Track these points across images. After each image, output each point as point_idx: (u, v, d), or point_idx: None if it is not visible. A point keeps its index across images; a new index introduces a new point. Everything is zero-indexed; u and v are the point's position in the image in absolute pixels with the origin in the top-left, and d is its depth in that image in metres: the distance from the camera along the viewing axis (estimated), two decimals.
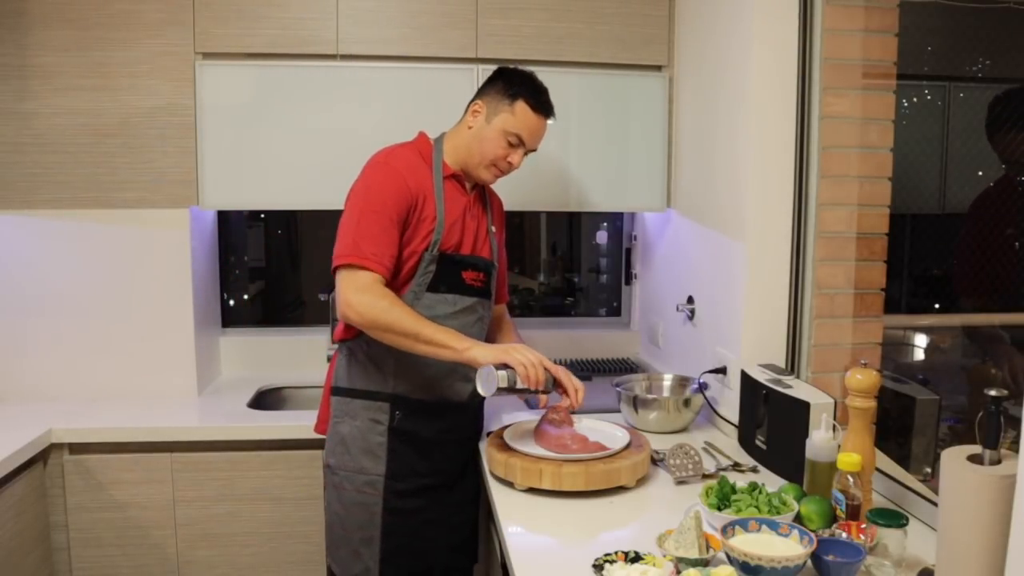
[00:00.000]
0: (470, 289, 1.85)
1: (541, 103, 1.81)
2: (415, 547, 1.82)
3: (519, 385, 1.63)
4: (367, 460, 1.79)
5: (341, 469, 1.81)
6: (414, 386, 1.80)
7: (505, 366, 1.63)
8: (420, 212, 1.76)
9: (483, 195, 1.96)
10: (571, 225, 3.16)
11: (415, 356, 1.74)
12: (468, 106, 1.86)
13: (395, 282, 1.76)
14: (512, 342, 1.88)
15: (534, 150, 1.87)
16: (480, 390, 1.64)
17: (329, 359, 1.87)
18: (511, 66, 1.89)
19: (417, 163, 1.81)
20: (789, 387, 1.72)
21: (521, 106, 1.79)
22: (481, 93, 1.85)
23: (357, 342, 1.81)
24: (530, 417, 1.93)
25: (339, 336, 1.86)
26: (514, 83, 1.82)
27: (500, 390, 1.62)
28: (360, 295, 1.66)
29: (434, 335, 1.65)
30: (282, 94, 2.35)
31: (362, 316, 1.66)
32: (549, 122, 1.86)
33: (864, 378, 1.44)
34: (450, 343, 1.65)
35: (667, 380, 2.23)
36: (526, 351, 1.66)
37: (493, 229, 1.97)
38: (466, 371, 1.83)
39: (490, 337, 2.00)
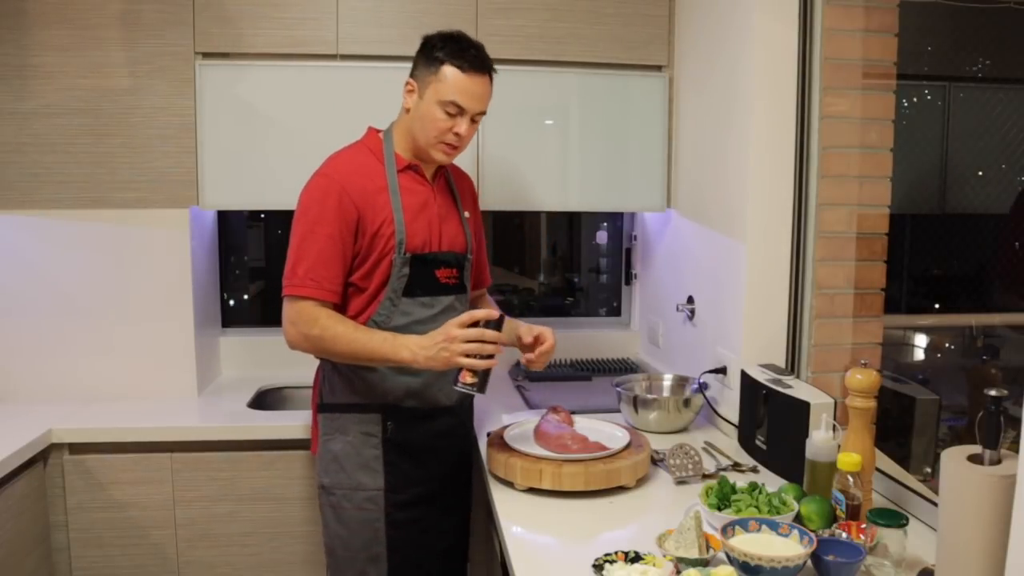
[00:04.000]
0: (445, 288, 1.77)
1: (468, 62, 1.65)
2: (417, 557, 1.78)
3: (468, 383, 1.58)
4: (364, 476, 1.74)
5: (337, 488, 1.75)
6: (403, 394, 1.74)
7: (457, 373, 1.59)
8: (371, 217, 1.68)
9: (448, 181, 1.85)
10: (571, 225, 3.16)
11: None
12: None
13: (367, 293, 1.72)
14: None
15: (482, 113, 1.71)
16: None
17: None
18: (438, 31, 1.73)
19: (364, 164, 1.73)
20: (789, 387, 1.72)
21: (448, 71, 1.64)
22: (412, 70, 1.73)
23: None
24: (530, 417, 1.93)
25: None
26: (436, 48, 1.67)
27: (469, 386, 1.58)
28: (291, 327, 1.69)
29: (372, 354, 1.63)
30: (282, 94, 2.34)
31: (298, 347, 1.70)
32: (491, 77, 1.71)
33: (864, 378, 1.44)
34: (388, 356, 1.62)
35: (667, 380, 2.23)
36: (440, 339, 1.57)
37: (467, 215, 1.86)
38: (453, 373, 1.80)
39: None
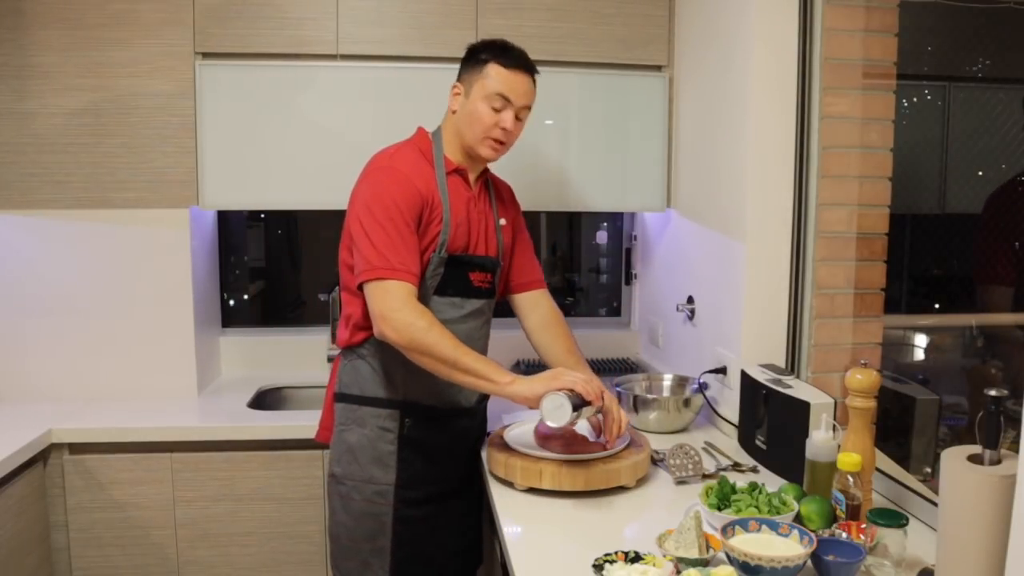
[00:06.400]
0: (477, 291, 1.80)
1: (512, 59, 1.72)
2: (426, 554, 1.79)
3: (585, 406, 1.56)
4: (376, 469, 1.74)
5: (348, 479, 1.76)
6: (424, 393, 1.75)
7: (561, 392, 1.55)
8: (429, 215, 1.71)
9: (488, 187, 1.90)
10: (571, 225, 3.16)
11: None
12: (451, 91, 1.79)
13: None
14: (571, 353, 1.90)
15: (527, 108, 1.76)
16: (550, 422, 1.53)
17: (330, 360, 1.85)
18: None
19: (420, 162, 1.75)
20: (789, 387, 1.72)
21: (492, 68, 1.71)
22: (458, 75, 1.78)
23: (365, 348, 1.76)
24: (530, 417, 1.93)
25: (344, 343, 1.80)
26: (480, 51, 1.75)
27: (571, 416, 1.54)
28: (397, 313, 1.59)
29: (474, 364, 1.57)
30: (282, 94, 2.34)
31: (400, 335, 1.58)
32: (534, 78, 1.76)
33: (864, 378, 1.44)
34: (491, 375, 1.57)
35: (667, 380, 2.23)
36: (571, 372, 1.60)
37: (502, 222, 1.89)
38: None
39: (544, 340, 1.95)
